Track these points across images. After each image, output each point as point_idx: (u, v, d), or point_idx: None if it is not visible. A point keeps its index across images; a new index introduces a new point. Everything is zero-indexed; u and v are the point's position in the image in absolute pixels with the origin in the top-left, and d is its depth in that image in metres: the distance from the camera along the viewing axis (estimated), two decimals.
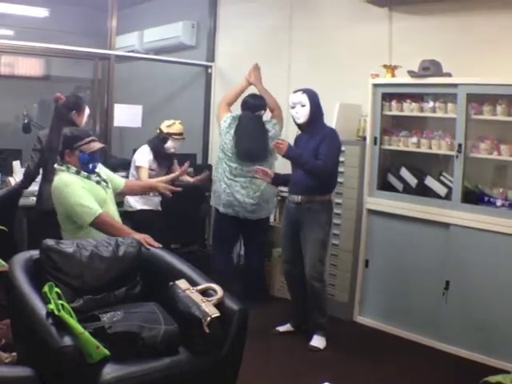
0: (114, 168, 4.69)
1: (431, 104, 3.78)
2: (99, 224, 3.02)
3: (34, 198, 4.04)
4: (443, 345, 3.71)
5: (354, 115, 4.34)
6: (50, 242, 2.68)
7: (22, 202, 4.19)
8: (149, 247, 2.97)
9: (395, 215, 3.96)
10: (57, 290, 2.39)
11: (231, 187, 4.20)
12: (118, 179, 3.51)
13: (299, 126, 3.77)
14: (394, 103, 3.98)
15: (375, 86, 4.01)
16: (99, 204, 3.07)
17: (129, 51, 6.22)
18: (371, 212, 4.11)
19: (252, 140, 4.16)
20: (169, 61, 5.90)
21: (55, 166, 3.21)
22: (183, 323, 2.49)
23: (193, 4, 6.05)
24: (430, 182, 3.90)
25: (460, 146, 3.60)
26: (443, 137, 3.77)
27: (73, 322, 2.24)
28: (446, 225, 3.69)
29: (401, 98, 3.95)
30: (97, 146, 3.19)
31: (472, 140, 3.61)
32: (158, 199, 4.43)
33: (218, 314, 2.46)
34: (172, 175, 3.88)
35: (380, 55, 4.18)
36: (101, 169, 3.35)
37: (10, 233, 3.30)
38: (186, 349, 2.48)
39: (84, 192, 3.05)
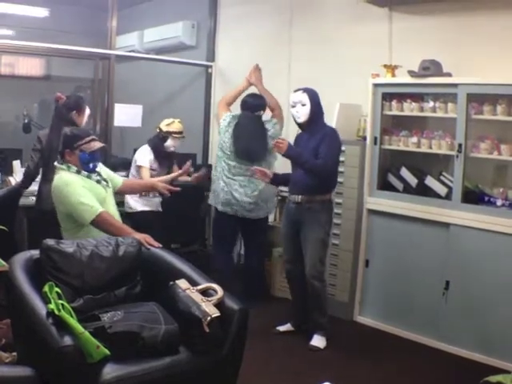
0: (115, 167, 4.69)
1: (431, 104, 3.78)
2: (100, 223, 3.02)
3: (34, 198, 4.04)
4: (443, 344, 3.71)
5: (355, 115, 4.34)
6: (50, 241, 2.68)
7: (22, 201, 4.19)
8: (149, 247, 2.97)
9: (395, 215, 3.96)
10: (57, 289, 2.39)
11: (230, 186, 4.21)
12: (117, 178, 3.51)
13: (299, 125, 3.78)
14: (394, 103, 3.98)
15: (375, 85, 4.01)
16: (99, 203, 3.07)
17: (129, 51, 6.22)
18: (371, 212, 4.11)
19: (250, 140, 4.16)
20: (169, 61, 5.91)
21: (55, 163, 3.21)
22: (183, 323, 2.49)
23: (193, 4, 6.05)
24: (431, 181, 3.90)
25: (460, 145, 3.60)
26: (443, 137, 3.77)
27: (73, 321, 2.24)
28: (446, 225, 3.69)
29: (401, 97, 3.95)
30: (97, 145, 3.19)
31: (472, 140, 3.61)
32: (158, 200, 4.43)
33: (218, 314, 2.46)
34: (173, 175, 3.88)
35: (380, 55, 4.18)
36: (101, 168, 3.35)
37: (10, 232, 3.29)
38: (187, 348, 2.48)
39: (85, 191, 3.05)
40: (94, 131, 4.69)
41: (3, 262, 2.74)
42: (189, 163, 3.94)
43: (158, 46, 6.30)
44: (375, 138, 4.05)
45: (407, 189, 3.99)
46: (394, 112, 4.01)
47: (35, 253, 2.71)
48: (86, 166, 3.15)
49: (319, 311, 3.77)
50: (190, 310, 2.48)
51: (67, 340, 2.17)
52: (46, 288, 2.37)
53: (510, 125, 3.49)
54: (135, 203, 4.37)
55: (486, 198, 3.61)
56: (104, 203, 3.14)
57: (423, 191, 3.89)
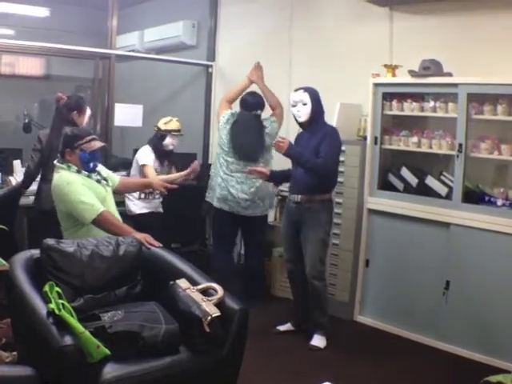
0: (115, 167, 4.70)
1: (432, 104, 3.78)
2: (101, 222, 3.03)
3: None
4: (443, 344, 3.71)
5: (355, 115, 4.34)
6: (50, 241, 2.68)
7: (23, 201, 4.19)
8: (149, 246, 2.97)
9: (396, 215, 3.96)
10: (57, 289, 2.39)
11: (227, 182, 4.22)
12: (113, 176, 3.51)
13: (300, 124, 3.78)
14: (394, 103, 3.98)
15: (376, 85, 4.01)
16: (100, 202, 3.07)
17: (129, 51, 6.21)
18: (372, 211, 4.11)
19: (246, 138, 4.18)
20: (169, 60, 5.91)
21: (55, 162, 3.21)
22: (184, 322, 2.49)
23: (193, 3, 6.05)
24: (431, 181, 3.90)
25: (461, 145, 3.60)
26: (444, 136, 3.77)
27: (73, 321, 2.24)
28: (447, 224, 3.69)
29: (401, 97, 3.95)
30: (97, 144, 3.20)
31: (473, 140, 3.61)
32: (158, 201, 4.44)
33: (219, 314, 2.46)
34: (176, 174, 3.91)
35: (381, 55, 4.18)
36: (101, 168, 3.35)
37: (10, 232, 3.30)
38: (187, 348, 2.48)
39: (85, 189, 3.06)
40: (94, 131, 4.68)
41: (3, 262, 2.74)
42: (197, 162, 3.98)
43: (159, 46, 6.29)
44: (376, 138, 4.04)
45: (407, 188, 3.99)
46: (395, 112, 4.00)
47: (35, 252, 2.71)
48: (86, 165, 3.15)
49: (319, 311, 3.77)
50: (190, 310, 2.48)
51: (67, 339, 2.17)
52: (47, 287, 2.37)
53: (511, 125, 3.49)
54: (134, 206, 4.37)
55: (487, 198, 3.60)
56: (104, 202, 3.14)
57: (424, 191, 3.89)
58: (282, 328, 3.96)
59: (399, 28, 4.24)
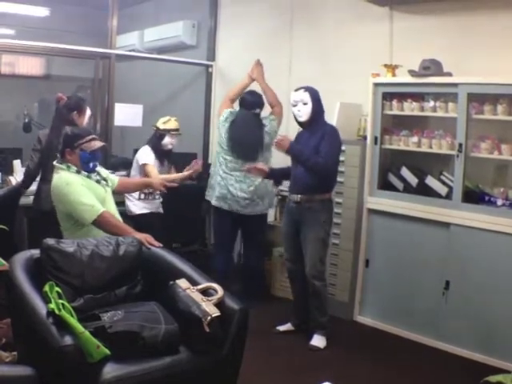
0: (115, 167, 4.70)
1: (432, 103, 3.78)
2: (101, 223, 3.03)
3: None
4: (443, 344, 3.71)
5: (355, 114, 4.34)
6: (50, 241, 2.68)
7: (23, 201, 4.19)
8: (149, 246, 2.97)
9: (396, 215, 3.96)
10: (57, 289, 2.39)
11: (226, 180, 4.22)
12: (112, 177, 3.51)
13: (300, 123, 3.78)
14: (394, 102, 3.98)
15: (376, 85, 4.01)
16: (99, 203, 3.07)
17: (129, 50, 6.22)
18: (372, 211, 4.11)
19: (244, 137, 4.18)
20: (169, 60, 5.91)
21: (54, 163, 3.21)
22: (183, 322, 2.49)
23: (193, 4, 6.05)
24: (431, 181, 3.90)
25: (461, 145, 3.60)
26: (444, 136, 3.77)
27: (73, 321, 2.24)
28: (447, 224, 3.69)
29: (401, 97, 3.95)
30: (97, 144, 3.19)
31: (473, 139, 3.61)
32: (158, 202, 4.44)
33: (219, 314, 2.46)
34: (179, 175, 3.91)
35: (381, 54, 4.18)
36: (100, 168, 3.35)
37: (10, 232, 3.30)
38: (187, 348, 2.48)
39: (85, 190, 3.05)
40: (94, 131, 4.68)
41: (3, 262, 2.75)
42: (200, 161, 3.98)
43: (159, 46, 6.29)
44: (376, 138, 4.04)
45: (407, 188, 3.99)
46: (395, 111, 4.00)
47: (35, 252, 2.71)
48: (86, 165, 3.15)
49: (319, 311, 3.77)
50: (190, 310, 2.48)
51: (67, 339, 2.17)
52: (47, 287, 2.37)
53: (511, 124, 3.49)
54: (134, 207, 4.37)
55: (487, 198, 3.60)
56: (104, 203, 3.14)
57: (424, 191, 3.89)
58: (281, 328, 3.96)
59: (399, 28, 4.24)
